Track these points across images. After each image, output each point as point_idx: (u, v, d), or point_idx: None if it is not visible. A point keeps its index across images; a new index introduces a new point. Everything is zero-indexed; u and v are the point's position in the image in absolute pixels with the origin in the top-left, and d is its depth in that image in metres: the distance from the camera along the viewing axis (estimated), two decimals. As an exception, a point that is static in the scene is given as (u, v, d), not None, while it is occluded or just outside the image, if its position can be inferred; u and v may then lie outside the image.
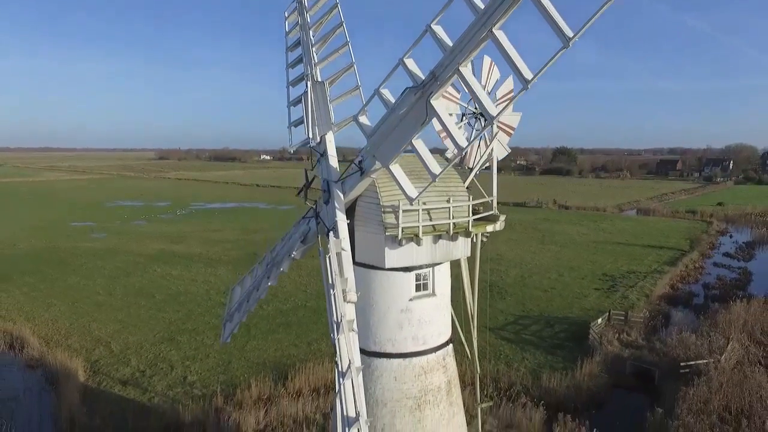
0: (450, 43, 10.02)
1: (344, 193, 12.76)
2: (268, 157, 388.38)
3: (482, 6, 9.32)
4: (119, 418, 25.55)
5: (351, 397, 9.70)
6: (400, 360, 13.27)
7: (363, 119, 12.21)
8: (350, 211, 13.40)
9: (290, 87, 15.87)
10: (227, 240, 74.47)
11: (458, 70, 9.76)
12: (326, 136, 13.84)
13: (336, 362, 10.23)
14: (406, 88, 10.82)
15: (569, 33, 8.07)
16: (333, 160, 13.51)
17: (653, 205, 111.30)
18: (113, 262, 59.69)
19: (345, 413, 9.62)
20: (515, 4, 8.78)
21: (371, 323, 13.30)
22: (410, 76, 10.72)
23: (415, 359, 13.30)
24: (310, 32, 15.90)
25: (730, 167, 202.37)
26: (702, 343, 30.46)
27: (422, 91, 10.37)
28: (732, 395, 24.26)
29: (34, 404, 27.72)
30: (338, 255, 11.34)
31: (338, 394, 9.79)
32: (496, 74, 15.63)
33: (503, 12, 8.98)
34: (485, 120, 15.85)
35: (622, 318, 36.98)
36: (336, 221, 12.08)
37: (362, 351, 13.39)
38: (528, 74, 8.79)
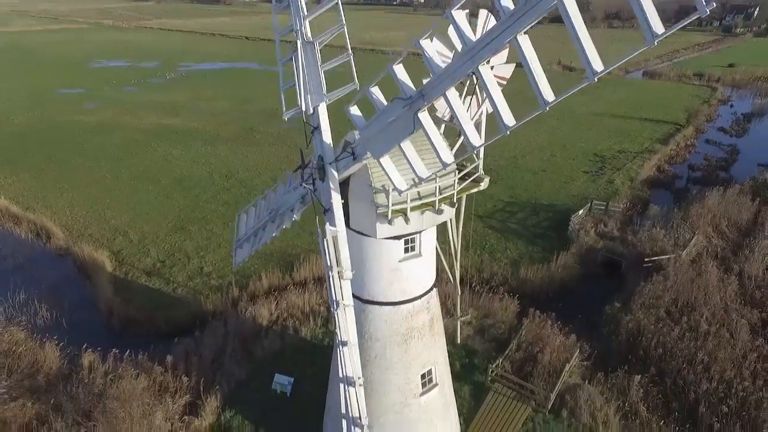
0: (440, 63, 10.17)
1: (338, 172, 13.71)
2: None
3: (472, 41, 9.35)
4: (151, 307, 29.52)
5: (350, 362, 12.19)
6: (390, 307, 15.68)
7: (354, 110, 12.59)
8: (345, 183, 14.49)
9: (279, 42, 15.48)
10: (222, 112, 73.65)
11: (444, 94, 10.13)
12: (319, 108, 14.16)
13: (336, 332, 12.53)
14: (394, 98, 11.17)
15: (549, 98, 8.46)
16: (327, 135, 14.06)
17: (660, 67, 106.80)
18: (112, 139, 60.23)
19: (344, 375, 12.22)
20: (502, 48, 8.89)
21: (365, 279, 15.38)
22: (399, 85, 10.98)
23: (402, 306, 15.71)
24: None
25: (755, 15, 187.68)
26: (669, 239, 33.34)
27: (410, 105, 10.79)
28: (681, 291, 27.77)
29: (72, 294, 31.54)
30: (334, 239, 12.86)
31: (339, 361, 12.28)
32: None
33: (490, 53, 9.12)
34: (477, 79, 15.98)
35: (603, 208, 39.47)
36: (332, 203, 13.30)
37: (358, 298, 15.77)
38: (509, 120, 9.30)
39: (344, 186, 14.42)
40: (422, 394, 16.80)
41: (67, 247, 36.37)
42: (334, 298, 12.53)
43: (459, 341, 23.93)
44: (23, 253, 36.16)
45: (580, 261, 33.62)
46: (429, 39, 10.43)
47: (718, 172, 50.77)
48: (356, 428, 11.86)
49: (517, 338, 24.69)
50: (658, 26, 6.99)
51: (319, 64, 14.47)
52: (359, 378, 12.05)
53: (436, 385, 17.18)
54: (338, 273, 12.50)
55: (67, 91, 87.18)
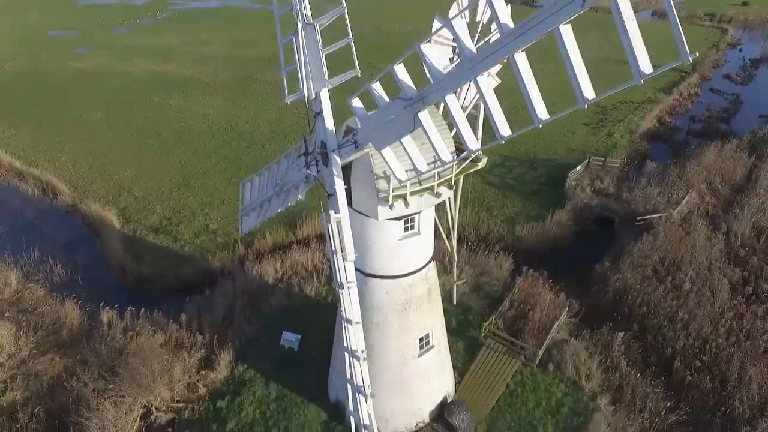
0: (440, 69, 10.49)
1: (341, 158, 14.26)
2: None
3: (473, 52, 9.64)
4: (161, 265, 30.82)
5: (354, 338, 13.41)
6: (390, 280, 16.77)
7: (356, 102, 12.93)
8: (348, 166, 15.06)
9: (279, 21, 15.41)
10: (217, 57, 71.80)
11: (444, 99, 10.54)
12: (321, 94, 14.44)
13: (341, 311, 13.65)
14: (395, 98, 11.54)
15: (543, 116, 8.94)
16: (329, 121, 14.46)
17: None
18: (107, 88, 59.32)
19: (350, 349, 13.49)
20: (500, 64, 9.24)
21: (367, 255, 16.34)
22: (400, 85, 11.32)
23: (402, 279, 16.80)
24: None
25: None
26: (662, 197, 34.10)
27: (410, 106, 11.20)
28: (669, 250, 28.94)
29: (84, 251, 32.75)
30: (338, 224, 13.65)
31: (344, 335, 13.51)
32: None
33: (489, 65, 9.47)
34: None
35: (600, 164, 39.91)
36: (335, 189, 13.97)
37: (360, 271, 16.85)
38: (505, 130, 9.80)
39: (347, 169, 15.00)
40: (420, 355, 18.31)
41: (74, 204, 37.19)
42: (338, 280, 13.56)
43: (455, 302, 25.36)
44: (32, 210, 37.03)
45: (574, 218, 34.56)
46: (429, 43, 10.67)
47: (719, 124, 50.61)
48: (360, 395, 13.29)
49: (509, 296, 26.12)
50: (646, 67, 7.42)
51: (320, 47, 14.55)
52: (363, 352, 13.34)
53: (433, 347, 18.67)
54: (342, 256, 13.44)
55: (56, 33, 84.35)
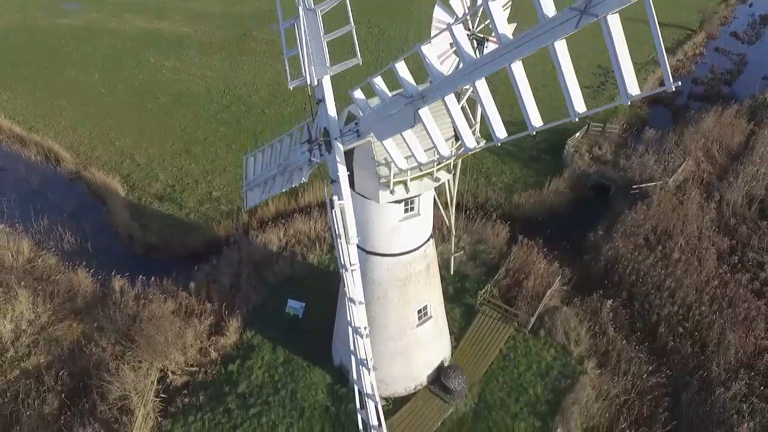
0: (440, 70, 10.84)
1: (343, 145, 14.73)
2: None
3: (472, 56, 9.99)
4: (167, 233, 31.70)
5: (357, 316, 14.39)
6: (391, 257, 17.63)
7: (358, 94, 13.27)
8: (350, 151, 15.54)
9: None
10: (212, 13, 69.73)
11: (443, 99, 10.96)
12: (323, 81, 14.71)
13: (345, 290, 14.56)
14: (396, 94, 11.92)
15: (536, 123, 9.42)
16: (331, 108, 14.81)
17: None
18: (100, 47, 58.07)
19: (353, 325, 14.50)
20: (496, 69, 9.63)
21: (369, 235, 17.11)
22: (401, 82, 11.68)
23: (401, 256, 17.66)
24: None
25: None
26: (659, 165, 34.55)
27: (411, 103, 11.61)
28: (662, 219, 29.76)
29: (92, 219, 33.50)
30: (342, 210, 14.32)
31: (347, 311, 14.48)
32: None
33: (487, 72, 9.86)
34: (479, 44, 16.36)
35: (599, 130, 40.04)
36: (338, 176, 14.53)
37: (363, 250, 17.70)
38: (501, 133, 10.30)
39: (349, 154, 15.50)
40: (418, 325, 19.48)
41: (77, 171, 37.61)
42: (342, 263, 14.39)
43: (452, 272, 26.40)
44: (36, 177, 37.48)
45: (572, 185, 35.15)
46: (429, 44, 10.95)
47: (722, 86, 50.15)
48: (363, 368, 14.43)
49: (505, 265, 27.18)
50: (633, 88, 7.89)
51: (321, 34, 14.69)
52: (365, 328, 14.36)
53: (431, 317, 19.81)
54: (345, 240, 14.21)
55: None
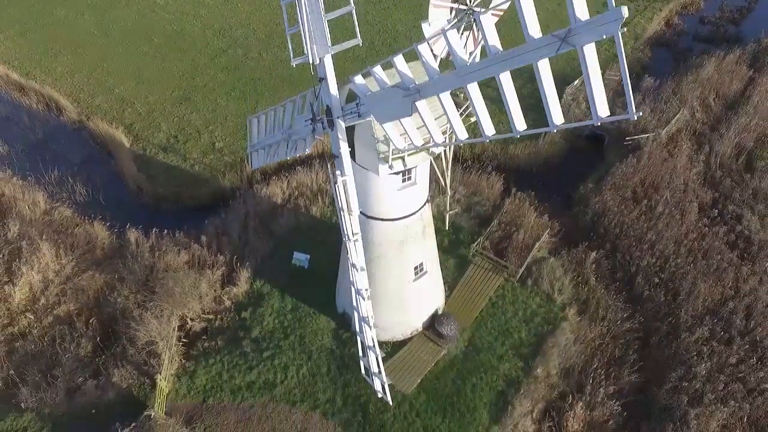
0: (435, 67, 11.63)
1: (344, 122, 15.63)
2: None
3: (465, 60, 10.77)
4: (174, 185, 32.91)
5: (359, 280, 16.07)
6: (389, 221, 19.06)
7: (359, 80, 14.00)
8: (351, 126, 16.44)
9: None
10: (202, -59, 65.87)
11: (438, 96, 11.84)
12: (325, 60, 15.34)
13: (348, 257, 16.13)
14: (394, 85, 12.72)
15: (520, 127, 10.43)
16: (333, 87, 15.56)
17: None
18: (89, -18, 55.72)
19: (355, 288, 16.24)
20: (486, 77, 10.49)
21: (369, 202, 18.41)
22: (400, 75, 12.46)
23: (399, 221, 19.09)
24: None
25: None
26: (653, 116, 35.00)
27: (408, 95, 12.47)
28: (650, 172, 30.86)
29: (100, 170, 34.53)
30: (344, 184, 15.52)
31: (351, 276, 16.16)
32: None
33: (479, 78, 10.71)
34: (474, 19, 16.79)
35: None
36: (340, 152, 15.59)
37: (363, 214, 19.08)
38: (490, 130, 11.31)
39: (350, 128, 16.44)
40: (415, 280, 21.35)
41: (80, 120, 38.04)
42: (345, 232, 15.84)
43: (447, 227, 27.93)
44: (40, 127, 37.97)
45: (566, 135, 35.82)
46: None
47: (729, 26, 48.95)
48: (365, 325, 16.37)
49: (497, 218, 28.70)
50: (604, 111, 8.88)
51: (322, 13, 15.11)
52: (367, 290, 16.11)
53: (426, 272, 21.63)
54: (347, 212, 15.57)
55: None
